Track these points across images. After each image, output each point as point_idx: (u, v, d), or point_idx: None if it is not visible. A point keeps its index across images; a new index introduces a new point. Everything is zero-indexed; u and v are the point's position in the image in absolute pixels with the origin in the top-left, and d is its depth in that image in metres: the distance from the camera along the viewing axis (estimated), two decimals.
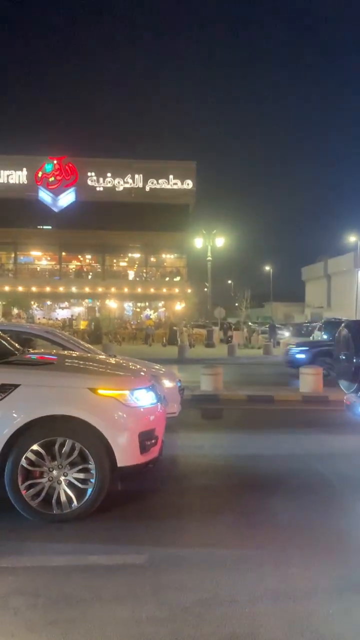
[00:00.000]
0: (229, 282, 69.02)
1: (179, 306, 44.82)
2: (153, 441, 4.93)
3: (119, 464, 4.60)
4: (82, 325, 40.91)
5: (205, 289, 42.44)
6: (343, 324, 7.17)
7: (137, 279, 46.17)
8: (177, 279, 45.73)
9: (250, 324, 47.24)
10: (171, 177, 42.90)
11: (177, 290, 44.92)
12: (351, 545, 4.13)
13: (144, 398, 4.94)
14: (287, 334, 36.07)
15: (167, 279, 46.26)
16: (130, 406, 4.76)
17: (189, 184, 42.97)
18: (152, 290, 44.84)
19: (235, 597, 3.32)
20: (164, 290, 44.96)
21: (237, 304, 46.56)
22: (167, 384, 7.94)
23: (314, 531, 4.42)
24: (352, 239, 48.01)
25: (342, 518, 4.72)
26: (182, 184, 42.99)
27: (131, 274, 47.25)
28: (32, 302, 42.79)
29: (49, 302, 46.88)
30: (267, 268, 75.28)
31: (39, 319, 41.03)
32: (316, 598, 3.34)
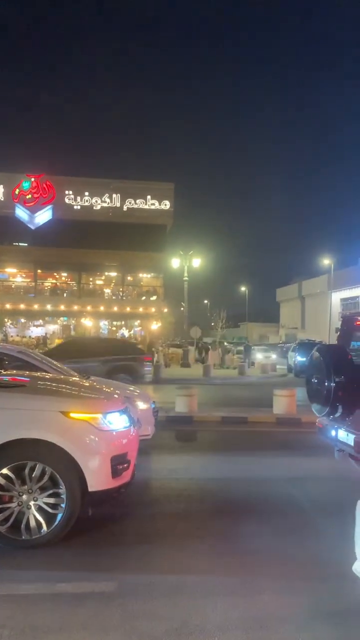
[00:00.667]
0: (205, 302, 69.46)
1: (155, 325, 44.80)
2: (125, 465, 4.89)
3: (90, 489, 4.55)
4: (57, 343, 40.49)
5: (182, 309, 42.57)
6: (315, 348, 7.26)
7: (114, 297, 46.05)
8: (154, 298, 45.76)
9: (225, 344, 47.46)
10: (149, 197, 43.17)
11: (153, 309, 44.91)
12: (323, 571, 4.13)
13: (116, 421, 4.91)
14: (273, 355, 36.27)
15: (144, 298, 46.27)
16: (102, 430, 4.72)
17: (166, 205, 43.28)
18: (128, 309, 44.73)
19: (205, 625, 3.29)
20: (141, 309, 44.89)
21: (213, 324, 46.75)
22: (141, 405, 7.90)
23: (286, 557, 4.42)
24: (326, 261, 48.90)
25: (315, 544, 4.73)
26: (160, 204, 43.27)
27: (107, 293, 47.12)
28: (6, 320, 42.26)
29: (23, 320, 46.33)
30: (243, 289, 76.03)
31: (12, 336, 40.47)
32: (287, 626, 3.32)
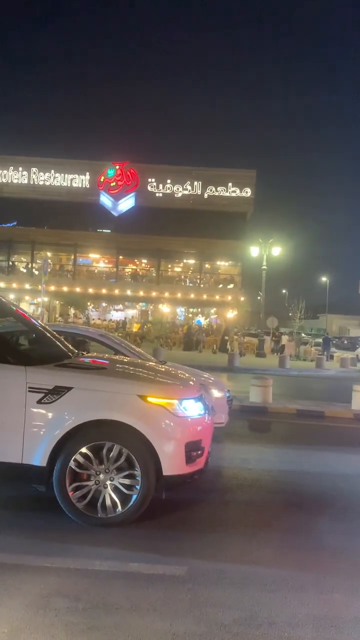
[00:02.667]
0: (284, 291, 68.13)
1: (232, 314, 44.60)
2: (199, 452, 4.93)
3: (165, 473, 4.61)
4: (135, 328, 41.40)
5: (259, 298, 42.04)
6: None
7: (191, 284, 46.28)
8: (231, 286, 45.50)
9: (303, 335, 46.40)
10: (230, 184, 42.79)
11: (230, 297, 44.68)
12: None
13: (192, 408, 4.94)
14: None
15: (221, 285, 46.13)
16: (178, 415, 4.77)
17: (247, 192, 42.72)
18: (205, 296, 44.80)
19: (274, 619, 3.26)
20: (217, 297, 44.81)
21: (290, 314, 45.81)
22: (216, 393, 7.92)
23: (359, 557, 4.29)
24: None
25: None
26: (241, 192, 42.79)
27: (185, 280, 47.43)
28: (89, 303, 43.66)
29: (104, 304, 47.72)
30: (324, 279, 73.79)
31: (94, 319, 41.82)
32: (359, 628, 3.23)
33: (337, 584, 3.78)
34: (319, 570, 3.99)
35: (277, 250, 32.90)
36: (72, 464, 4.49)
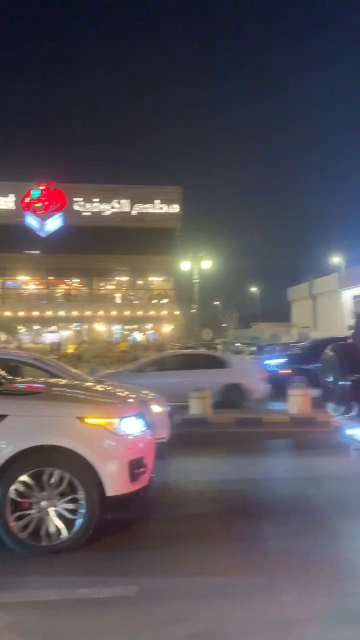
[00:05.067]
0: (217, 303, 69.35)
1: (167, 328, 44.86)
2: (143, 469, 4.91)
3: (109, 494, 4.56)
4: (71, 349, 40.75)
5: (193, 311, 42.59)
6: (329, 347, 7.23)
7: (125, 301, 46.21)
8: (165, 301, 45.89)
9: (237, 344, 47.28)
10: (157, 201, 43.35)
11: (165, 312, 45.02)
12: (346, 571, 4.11)
13: (132, 426, 4.93)
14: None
15: (155, 301, 46.39)
16: (119, 434, 4.74)
17: (175, 208, 43.42)
18: (139, 312, 44.90)
19: (227, 629, 3.29)
20: (152, 312, 45.03)
21: (224, 325, 46.66)
22: (156, 409, 7.91)
23: (307, 557, 4.39)
24: (336, 259, 48.66)
25: (335, 543, 4.71)
26: (169, 208, 43.41)
27: (119, 297, 47.31)
28: (20, 327, 42.58)
29: (36, 327, 46.67)
30: (254, 289, 75.77)
31: (26, 343, 40.78)
32: (311, 628, 3.31)
33: (285, 587, 3.85)
34: (268, 574, 4.06)
35: (207, 264, 33.52)
36: (12, 493, 4.36)
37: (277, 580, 3.94)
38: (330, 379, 6.89)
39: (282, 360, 16.68)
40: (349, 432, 6.82)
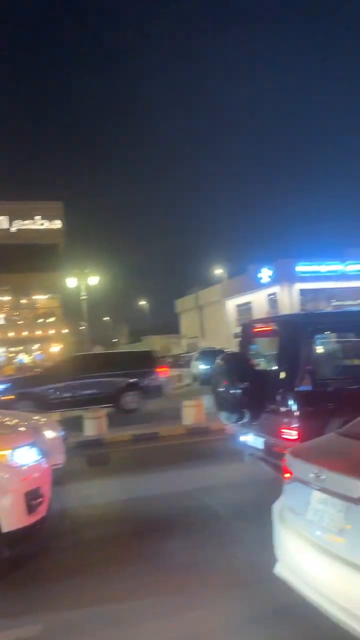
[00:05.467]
0: (107, 318, 68.88)
1: (56, 347, 43.68)
2: (40, 500, 4.72)
3: (5, 529, 4.34)
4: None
5: (82, 328, 41.91)
6: (220, 357, 7.48)
7: (8, 322, 44.33)
8: (52, 319, 44.68)
9: None
10: (38, 217, 42.28)
11: (52, 331, 43.81)
12: (247, 577, 4.24)
13: (26, 456, 4.73)
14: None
15: (41, 320, 45.01)
16: (12, 466, 4.53)
17: (57, 224, 42.61)
18: (25, 333, 43.27)
19: None
20: (39, 332, 43.61)
21: (115, 340, 46.45)
22: (50, 434, 7.64)
23: (211, 568, 4.48)
24: (219, 271, 50.56)
25: (236, 550, 4.84)
26: (50, 224, 42.51)
27: (1, 318, 45.28)
28: None
29: None
30: (143, 302, 76.36)
31: None
32: (218, 638, 3.37)
33: (191, 602, 3.90)
34: (176, 591, 4.08)
35: (95, 279, 33.18)
36: None
37: (182, 597, 3.97)
38: (222, 388, 7.12)
39: (3, 386, 15.05)
40: (242, 438, 7.09)
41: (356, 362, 7.97)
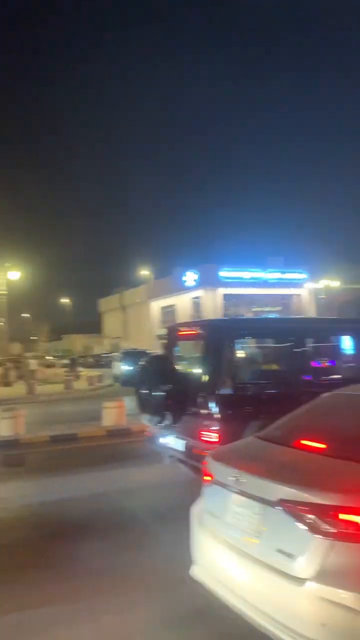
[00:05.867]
0: (26, 315, 66.85)
1: None
2: None
3: None
4: None
5: (0, 324, 40.42)
6: (143, 360, 7.48)
7: None
8: None
9: (48, 357, 46.08)
10: None
11: None
12: (163, 579, 4.24)
13: None
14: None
15: None
16: None
17: None
18: None
19: None
20: None
21: (34, 338, 45.19)
22: None
23: (127, 571, 4.45)
24: (144, 272, 50.61)
25: (153, 553, 4.84)
26: None
27: None
28: None
29: None
30: (65, 300, 74.90)
31: None
32: None
33: (107, 606, 3.85)
34: (90, 596, 4.02)
35: (15, 274, 32.17)
36: None
37: (98, 602, 3.92)
38: (145, 390, 7.11)
39: None
40: (162, 440, 7.12)
41: (274, 367, 8.23)
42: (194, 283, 47.19)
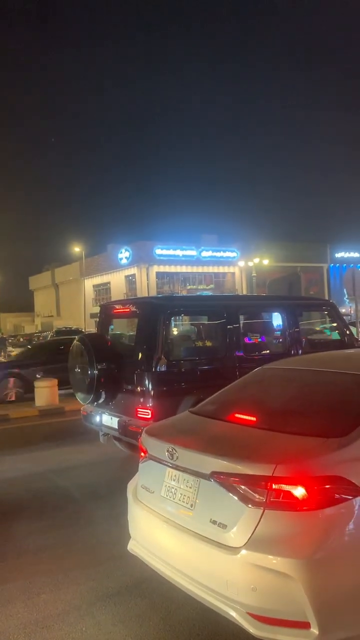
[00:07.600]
0: None
1: None
2: None
3: None
4: None
5: None
6: (77, 338, 7.36)
7: None
8: None
9: None
10: None
11: None
12: (100, 555, 4.27)
13: None
14: None
15: None
16: None
17: None
18: None
19: None
20: None
21: None
22: None
23: (63, 549, 4.44)
24: (77, 249, 49.57)
25: (90, 530, 4.84)
26: None
27: None
28: None
29: None
30: None
31: None
32: (68, 619, 3.36)
33: (42, 585, 3.83)
34: (25, 576, 3.98)
35: None
36: None
37: (33, 581, 3.90)
38: (78, 369, 7.03)
39: None
40: (97, 419, 7.09)
41: (208, 343, 8.35)
42: (126, 261, 46.82)
